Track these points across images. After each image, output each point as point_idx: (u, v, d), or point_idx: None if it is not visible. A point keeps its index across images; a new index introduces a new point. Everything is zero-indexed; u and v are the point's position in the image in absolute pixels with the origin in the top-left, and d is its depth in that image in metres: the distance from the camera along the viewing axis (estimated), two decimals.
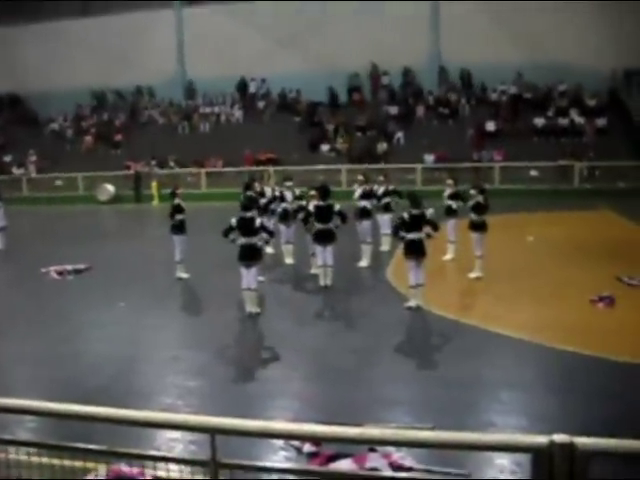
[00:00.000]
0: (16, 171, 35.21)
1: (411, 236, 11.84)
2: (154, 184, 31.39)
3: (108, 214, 30.48)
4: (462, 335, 10.67)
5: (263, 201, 16.33)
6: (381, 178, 17.39)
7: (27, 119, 39.02)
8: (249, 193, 16.01)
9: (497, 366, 9.28)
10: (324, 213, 13.66)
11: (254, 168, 29.84)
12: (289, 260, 16.41)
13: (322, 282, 13.86)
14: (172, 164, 33.21)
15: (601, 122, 30.51)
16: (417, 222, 11.86)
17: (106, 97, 39.39)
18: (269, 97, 36.85)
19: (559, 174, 28.65)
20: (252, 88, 37.21)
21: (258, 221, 12.06)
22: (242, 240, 11.83)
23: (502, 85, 33.56)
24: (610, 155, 27.75)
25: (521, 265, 15.12)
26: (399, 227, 12.06)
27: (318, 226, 13.72)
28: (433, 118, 33.38)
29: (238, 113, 36.46)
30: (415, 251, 11.91)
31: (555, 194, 26.61)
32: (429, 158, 30.59)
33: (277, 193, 16.78)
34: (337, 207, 13.68)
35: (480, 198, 14.12)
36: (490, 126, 31.64)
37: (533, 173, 28.80)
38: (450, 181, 16.43)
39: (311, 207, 14.10)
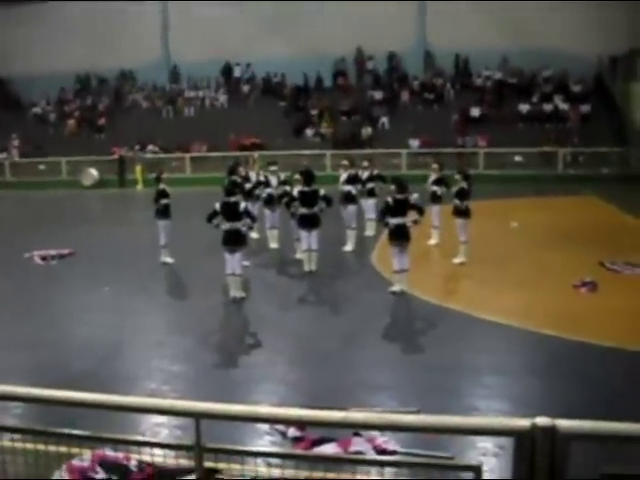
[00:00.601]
0: None
1: (395, 221, 11.86)
2: (138, 168, 31.24)
3: (92, 199, 30.27)
4: (446, 320, 10.73)
5: (248, 186, 16.28)
6: (365, 163, 17.39)
7: (9, 103, 38.53)
8: (233, 178, 15.96)
9: (480, 351, 9.34)
10: (309, 198, 13.64)
11: (239, 153, 29.73)
12: (274, 245, 16.40)
13: (307, 267, 13.87)
14: (154, 148, 33.05)
15: (586, 108, 30.60)
16: (402, 207, 11.87)
17: (90, 81, 39.01)
18: (254, 81, 36.66)
19: (543, 160, 28.77)
20: (237, 72, 36.99)
21: (242, 206, 12.04)
22: (226, 225, 11.81)
23: (487, 70, 33.58)
24: (594, 141, 27.91)
25: (505, 250, 15.18)
26: (384, 212, 12.08)
27: (302, 211, 13.71)
28: (418, 103, 33.36)
29: (223, 97, 36.25)
30: (399, 237, 11.94)
31: (539, 180, 26.69)
32: (414, 143, 30.61)
33: (262, 178, 16.73)
34: (322, 192, 13.67)
35: (464, 184, 14.15)
36: (475, 111, 31.66)
37: (517, 159, 28.92)
38: (435, 166, 16.44)
39: (295, 192, 14.09)
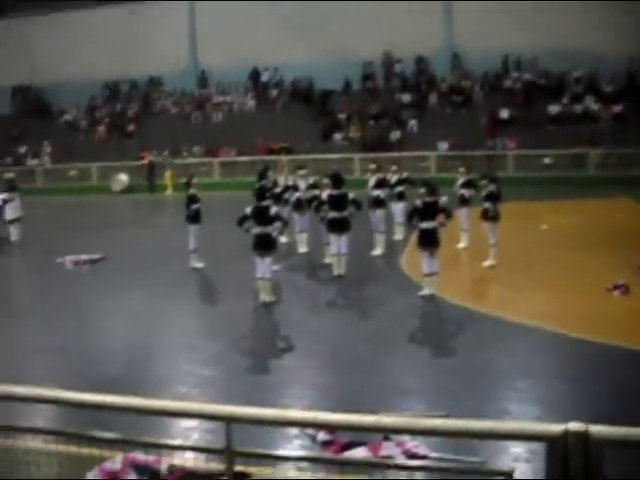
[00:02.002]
0: (31, 162, 35.37)
1: (424, 225, 11.80)
2: (168, 174, 31.46)
3: (122, 204, 30.55)
4: (476, 323, 10.66)
5: (277, 190, 16.32)
6: (394, 167, 17.33)
7: (41, 110, 39.11)
8: (263, 182, 15.99)
9: (511, 354, 9.27)
10: (338, 201, 13.63)
11: (267, 157, 29.82)
12: (303, 249, 16.41)
13: (336, 271, 13.85)
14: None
15: (618, 108, 30.20)
16: (431, 210, 11.81)
17: (119, 87, 39.41)
18: (282, 86, 36.77)
19: (573, 162, 28.44)
20: (265, 77, 37.12)
21: (273, 210, 12.07)
22: (257, 229, 11.83)
23: (516, 72, 33.31)
24: (627, 142, 27.47)
25: (535, 253, 15.05)
26: (412, 215, 12.06)
27: (332, 215, 13.69)
28: (446, 106, 33.19)
29: (251, 102, 36.39)
30: (429, 242, 11.88)
31: (570, 182, 26.38)
32: (443, 146, 30.48)
33: (290, 182, 16.77)
34: (351, 195, 13.64)
35: (492, 187, 14.07)
36: (504, 113, 31.41)
37: (547, 161, 28.63)
38: (462, 169, 16.38)
39: (324, 196, 14.08)
